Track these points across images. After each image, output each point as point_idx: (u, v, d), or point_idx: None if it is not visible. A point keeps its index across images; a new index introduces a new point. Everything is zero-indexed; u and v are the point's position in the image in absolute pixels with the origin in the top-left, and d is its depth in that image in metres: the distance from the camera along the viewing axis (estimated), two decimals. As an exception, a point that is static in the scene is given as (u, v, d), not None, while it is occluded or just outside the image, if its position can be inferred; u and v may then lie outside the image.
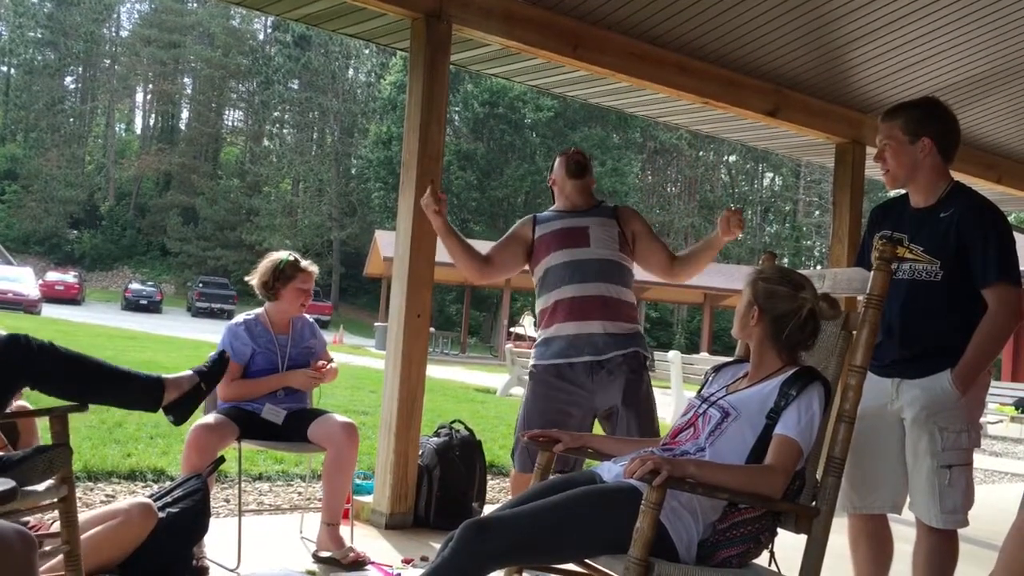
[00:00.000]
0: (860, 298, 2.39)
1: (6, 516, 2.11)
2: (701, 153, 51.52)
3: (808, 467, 2.29)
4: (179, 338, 21.25)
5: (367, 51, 50.23)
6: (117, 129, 57.50)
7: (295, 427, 3.69)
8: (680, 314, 44.83)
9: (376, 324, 29.29)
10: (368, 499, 4.47)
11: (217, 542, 3.50)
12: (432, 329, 23.29)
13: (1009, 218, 3.11)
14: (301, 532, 4.08)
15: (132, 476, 5.16)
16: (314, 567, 3.53)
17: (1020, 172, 7.43)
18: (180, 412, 2.69)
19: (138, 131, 60.27)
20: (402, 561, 3.69)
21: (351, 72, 53.81)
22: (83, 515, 2.86)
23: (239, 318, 3.88)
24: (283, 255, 3.87)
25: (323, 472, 3.70)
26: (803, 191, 51.69)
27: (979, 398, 2.86)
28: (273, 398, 3.74)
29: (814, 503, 2.28)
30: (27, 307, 28.02)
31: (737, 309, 2.43)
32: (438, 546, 2.15)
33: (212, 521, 3.26)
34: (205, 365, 2.80)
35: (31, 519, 2.81)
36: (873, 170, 6.35)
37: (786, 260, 45.66)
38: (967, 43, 5.01)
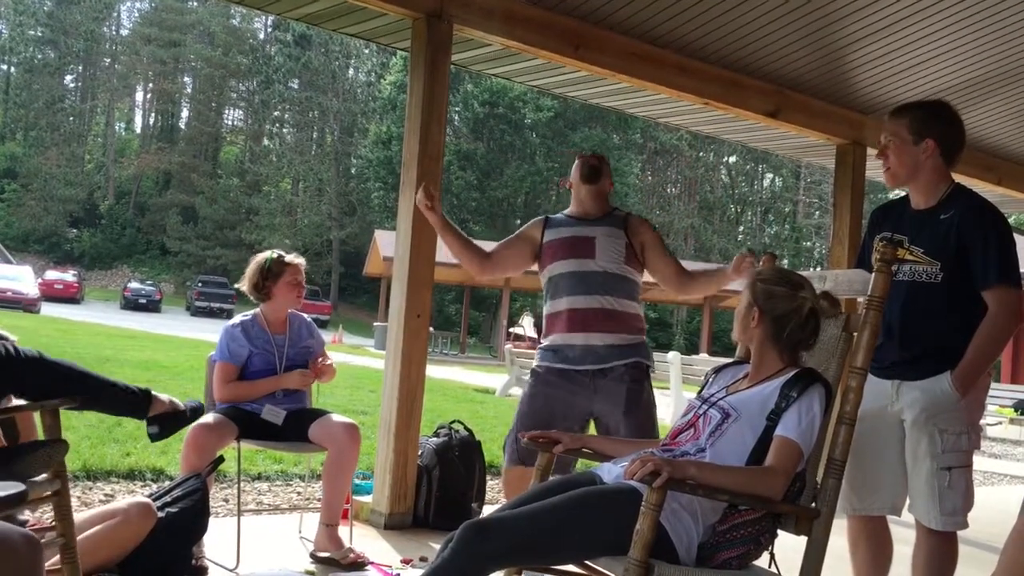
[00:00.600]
0: (861, 300, 2.38)
1: (5, 514, 2.11)
2: (701, 154, 51.52)
3: (808, 469, 2.29)
4: (178, 337, 21.25)
5: (367, 51, 50.23)
6: (117, 128, 57.49)
7: (295, 427, 3.68)
8: (679, 315, 44.83)
9: (375, 324, 29.28)
10: (367, 499, 4.47)
11: (216, 542, 3.49)
12: (431, 329, 23.28)
13: (1009, 220, 3.11)
14: (300, 532, 4.08)
15: (131, 475, 5.16)
16: (313, 567, 3.53)
17: (1020, 174, 7.43)
18: (162, 427, 2.72)
19: (138, 130, 60.29)
20: (401, 561, 3.69)
21: (351, 72, 53.82)
22: (82, 514, 2.86)
23: (236, 319, 3.86)
24: (267, 254, 3.87)
25: (323, 472, 3.69)
26: (803, 192, 51.69)
27: (979, 400, 2.86)
28: (272, 399, 3.73)
29: (814, 505, 2.27)
30: (26, 306, 28.00)
31: (737, 311, 2.43)
32: (437, 546, 2.14)
33: (211, 521, 3.25)
34: (188, 405, 2.86)
35: (29, 517, 2.81)
36: (874, 172, 6.36)
37: (786, 261, 45.64)
38: (968, 45, 5.01)
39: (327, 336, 30.06)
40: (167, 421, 2.73)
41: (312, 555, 3.62)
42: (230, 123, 59.65)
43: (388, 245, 24.75)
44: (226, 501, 4.81)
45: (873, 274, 2.31)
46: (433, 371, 13.02)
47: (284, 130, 54.32)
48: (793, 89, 5.82)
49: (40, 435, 2.96)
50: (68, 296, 35.87)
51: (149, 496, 3.11)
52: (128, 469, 5.21)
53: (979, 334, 2.73)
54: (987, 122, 6.35)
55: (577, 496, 2.13)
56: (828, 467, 2.27)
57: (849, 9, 4.63)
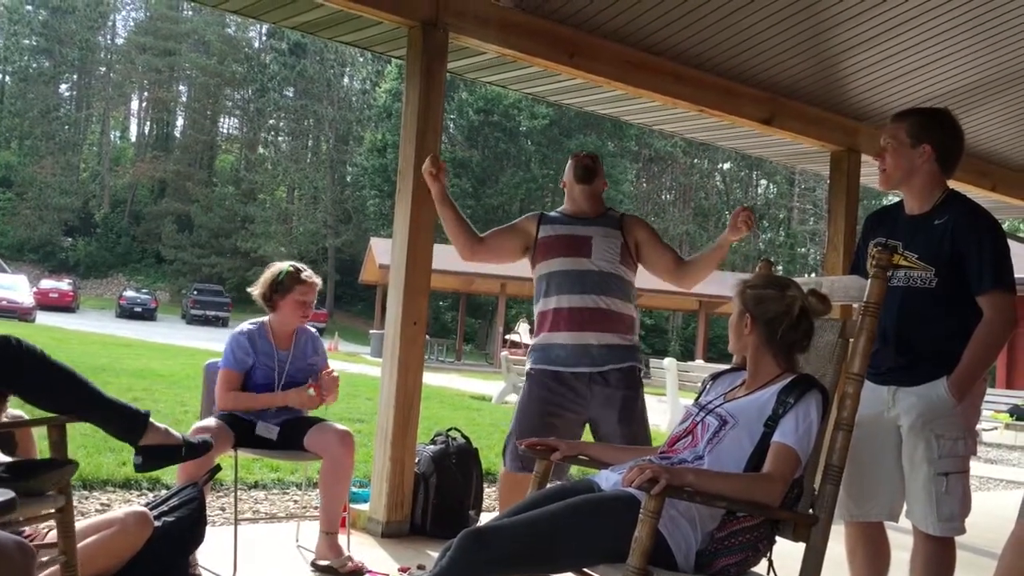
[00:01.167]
0: (856, 306, 2.39)
1: (3, 526, 2.10)
2: (696, 161, 51.62)
3: (806, 475, 2.30)
4: (174, 346, 21.20)
5: (362, 59, 50.29)
6: (112, 136, 57.44)
7: (291, 436, 3.67)
8: (675, 321, 44.87)
9: (371, 331, 29.28)
10: (364, 507, 4.46)
11: (213, 551, 3.49)
12: (428, 336, 23.28)
13: (1003, 226, 3.12)
14: (297, 540, 4.07)
15: (127, 485, 5.15)
16: (311, 576, 3.53)
17: (1014, 180, 7.46)
18: (151, 459, 2.57)
19: (133, 138, 60.23)
20: (399, 570, 3.69)
21: (346, 80, 53.87)
22: (78, 524, 2.84)
23: (244, 326, 3.81)
24: (284, 266, 3.79)
25: (319, 481, 3.69)
26: (797, 199, 51.80)
27: (975, 405, 2.87)
28: (266, 414, 3.71)
29: (812, 511, 2.28)
30: (21, 315, 27.95)
31: (730, 322, 2.43)
32: (435, 554, 2.14)
33: (208, 530, 3.24)
34: (194, 438, 2.71)
35: (27, 528, 2.80)
36: (868, 178, 6.37)
37: (781, 268, 45.76)
38: (961, 52, 5.03)
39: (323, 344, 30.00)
40: (157, 453, 2.57)
41: (312, 564, 3.62)
42: (225, 131, 59.66)
43: (384, 253, 24.75)
44: (223, 510, 4.80)
45: (868, 280, 2.31)
46: (430, 378, 13.00)
47: (279, 138, 54.31)
48: (787, 96, 5.84)
49: (38, 447, 2.96)
50: (63, 305, 35.80)
51: (146, 505, 3.10)
52: (124, 478, 5.20)
53: (974, 340, 2.74)
54: (981, 128, 6.38)
55: (575, 504, 2.14)
56: (826, 473, 2.27)
57: (842, 17, 4.65)
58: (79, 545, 2.61)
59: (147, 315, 37.53)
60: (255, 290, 3.80)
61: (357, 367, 19.02)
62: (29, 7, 52.76)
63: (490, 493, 5.45)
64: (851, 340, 2.38)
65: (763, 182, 55.16)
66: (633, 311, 3.50)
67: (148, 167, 51.65)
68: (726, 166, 52.97)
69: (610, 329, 3.38)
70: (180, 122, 58.46)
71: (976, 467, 9.49)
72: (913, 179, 2.89)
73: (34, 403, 2.46)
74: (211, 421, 3.55)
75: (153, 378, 11.85)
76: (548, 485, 2.53)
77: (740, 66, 5.40)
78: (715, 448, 2.22)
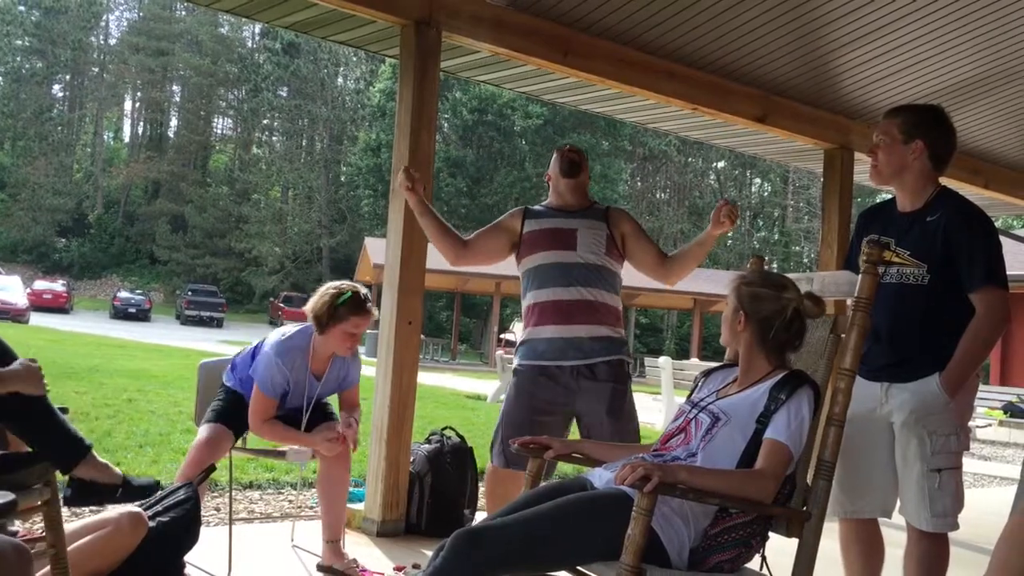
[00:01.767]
0: (848, 301, 2.40)
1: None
2: (690, 159, 51.68)
3: (799, 471, 2.30)
4: (168, 346, 21.16)
5: (356, 58, 50.23)
6: (105, 137, 57.34)
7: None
8: (670, 320, 44.91)
9: (367, 331, 29.23)
10: (359, 506, 4.46)
11: (208, 551, 3.48)
12: (422, 336, 23.19)
13: (996, 223, 3.13)
14: (292, 540, 4.06)
15: (122, 485, 5.13)
16: None
17: (1007, 177, 7.48)
18: (82, 494, 2.41)
19: (126, 139, 60.11)
20: (394, 568, 3.69)
21: (340, 79, 53.81)
22: (72, 525, 2.84)
23: (289, 341, 3.54)
24: (346, 291, 3.49)
25: (317, 488, 3.67)
26: (792, 197, 51.87)
27: (968, 402, 2.88)
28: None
29: (805, 507, 2.28)
30: (15, 316, 27.88)
31: (724, 317, 2.44)
32: (430, 553, 2.14)
33: (203, 530, 3.24)
34: (139, 480, 2.54)
35: (19, 528, 2.79)
36: (862, 176, 6.39)
37: (775, 265, 45.81)
38: (954, 50, 5.04)
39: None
40: (89, 489, 2.41)
41: (318, 566, 3.62)
42: (219, 131, 59.54)
43: (378, 252, 24.72)
44: (217, 510, 4.79)
45: (860, 276, 2.32)
46: (424, 378, 12.99)
47: (273, 138, 54.27)
48: (780, 94, 5.85)
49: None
50: (57, 306, 35.72)
51: (140, 506, 3.09)
52: (119, 479, 5.19)
53: (967, 336, 2.75)
54: (974, 126, 6.39)
55: (568, 502, 2.14)
56: (818, 469, 2.28)
57: (835, 15, 4.66)
58: (73, 546, 2.60)
59: (141, 316, 37.46)
60: (309, 304, 3.54)
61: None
62: (22, 8, 52.62)
63: (485, 492, 5.45)
64: (843, 336, 2.38)
65: (757, 180, 55.23)
66: (619, 303, 3.49)
67: (142, 167, 51.53)
68: (720, 164, 53.03)
69: (599, 321, 3.36)
70: (174, 122, 58.35)
71: (970, 464, 9.51)
72: (905, 175, 2.90)
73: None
74: (209, 432, 3.48)
75: (147, 379, 11.83)
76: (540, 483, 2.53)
77: (733, 64, 5.41)
78: (708, 445, 2.22)
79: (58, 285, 37.91)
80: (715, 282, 28.92)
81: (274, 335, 3.62)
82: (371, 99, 46.22)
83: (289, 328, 3.63)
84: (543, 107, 40.29)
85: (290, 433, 3.56)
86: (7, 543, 1.93)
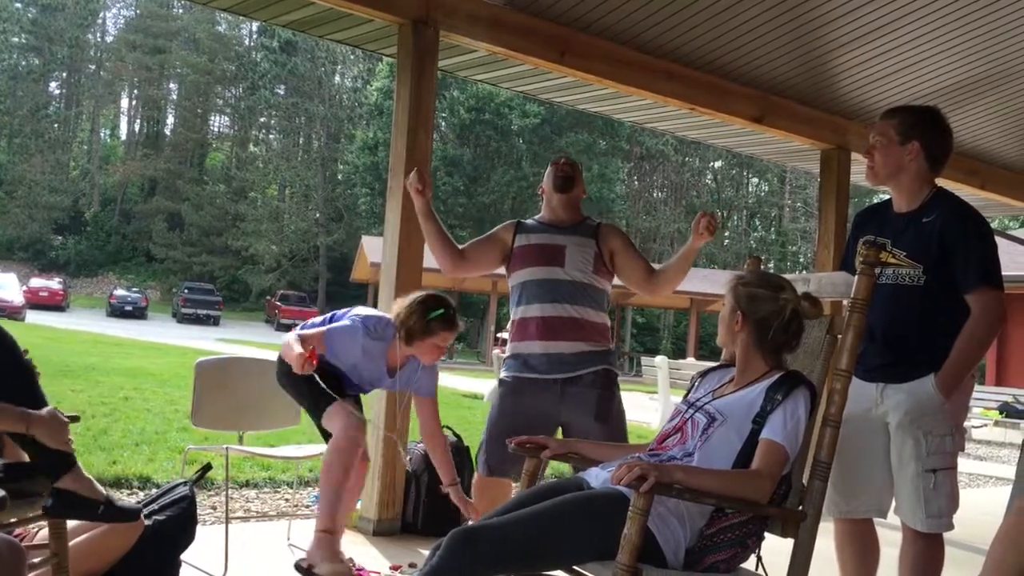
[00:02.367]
0: (845, 302, 2.40)
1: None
2: (687, 159, 51.66)
3: (794, 471, 2.30)
4: (165, 344, 21.15)
5: (353, 56, 50.15)
6: (102, 135, 57.20)
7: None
8: (667, 319, 44.90)
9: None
10: (356, 505, 4.46)
11: (204, 550, 3.48)
12: (419, 335, 23.09)
13: (992, 224, 3.14)
14: (288, 539, 4.07)
15: (118, 483, 5.14)
16: None
17: (1003, 178, 7.49)
18: (64, 506, 2.34)
19: (123, 136, 59.98)
20: (390, 568, 3.69)
21: (337, 78, 53.72)
22: (69, 524, 2.84)
23: (377, 332, 3.39)
24: (439, 306, 3.39)
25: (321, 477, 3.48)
26: (788, 196, 51.87)
27: (963, 402, 2.88)
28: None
29: (800, 507, 2.29)
30: (11, 313, 27.80)
31: (721, 316, 2.44)
32: (426, 552, 2.15)
33: (199, 529, 3.24)
34: (121, 503, 2.47)
35: (18, 528, 2.79)
36: (858, 176, 6.39)
37: (772, 265, 45.86)
38: (950, 50, 5.05)
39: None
40: (71, 502, 2.33)
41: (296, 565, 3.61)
42: (216, 129, 59.44)
43: (375, 251, 24.71)
44: (214, 508, 4.79)
45: (856, 277, 2.32)
46: (421, 377, 12.95)
47: (270, 136, 54.18)
48: (778, 94, 5.86)
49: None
50: (53, 304, 35.65)
51: (136, 504, 3.09)
52: (115, 477, 5.19)
53: (962, 337, 2.75)
54: (970, 126, 6.40)
55: (565, 502, 2.14)
56: (814, 469, 2.29)
57: (832, 16, 4.66)
58: (69, 544, 2.60)
59: (138, 314, 37.38)
60: (394, 310, 3.44)
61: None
62: (18, 5, 52.48)
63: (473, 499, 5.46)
64: (839, 336, 2.39)
65: (754, 180, 55.22)
66: (606, 319, 3.50)
67: (138, 165, 51.41)
68: (717, 164, 53.01)
69: (583, 338, 3.38)
70: (170, 120, 58.23)
71: (965, 464, 9.53)
72: (901, 176, 2.91)
73: None
74: (350, 435, 3.26)
75: (144, 377, 11.82)
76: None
77: (731, 64, 5.41)
78: (704, 445, 2.23)
79: (54, 283, 37.82)
80: (712, 282, 28.95)
81: (361, 311, 3.49)
82: (368, 98, 46.16)
83: (377, 315, 3.48)
84: (540, 106, 40.27)
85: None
86: (1, 540, 1.93)
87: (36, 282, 37.13)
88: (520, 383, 3.41)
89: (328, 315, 3.58)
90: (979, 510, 4.02)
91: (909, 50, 5.06)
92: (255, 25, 50.88)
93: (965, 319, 2.76)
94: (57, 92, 56.51)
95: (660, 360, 12.16)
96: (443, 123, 42.49)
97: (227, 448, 3.59)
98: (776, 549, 2.33)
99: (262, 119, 53.03)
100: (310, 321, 3.59)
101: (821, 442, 2.29)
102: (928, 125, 2.92)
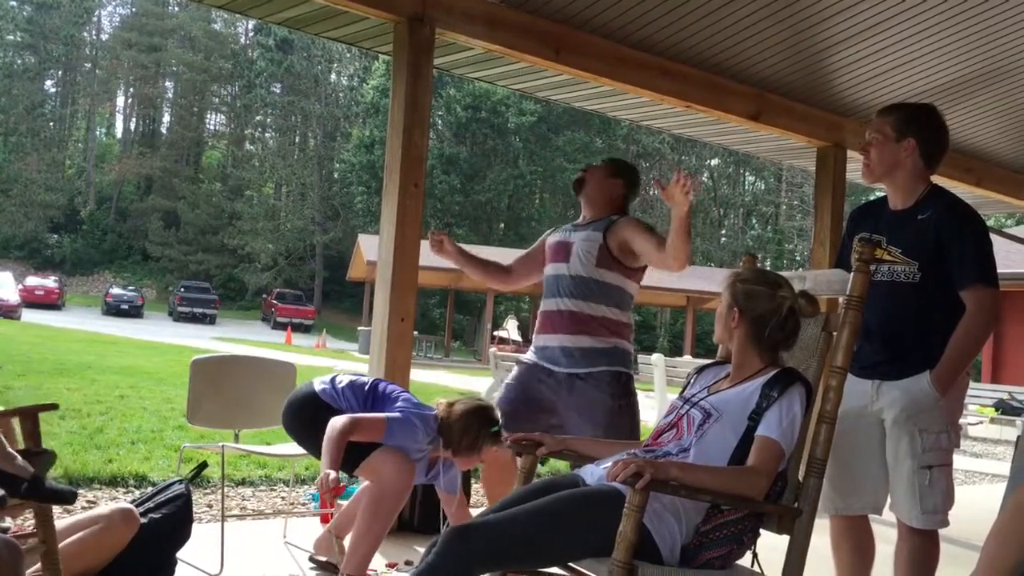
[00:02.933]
0: (841, 299, 2.40)
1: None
2: (683, 157, 51.68)
3: (790, 468, 2.31)
4: (161, 343, 21.12)
5: (349, 55, 50.12)
6: (98, 133, 57.06)
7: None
8: (663, 317, 44.94)
9: (359, 328, 29.23)
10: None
11: (200, 548, 3.48)
12: (416, 333, 23.25)
13: (988, 222, 3.14)
14: (285, 537, 4.06)
15: (113, 482, 5.13)
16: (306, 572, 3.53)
17: (999, 176, 7.50)
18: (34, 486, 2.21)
19: (119, 135, 59.85)
20: (386, 565, 3.69)
21: (333, 76, 53.67)
22: (64, 521, 2.84)
23: (430, 426, 3.21)
24: (495, 423, 3.20)
25: (360, 506, 3.30)
26: (785, 194, 51.92)
27: (958, 399, 2.89)
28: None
29: (796, 504, 2.29)
30: (6, 312, 27.78)
31: (718, 313, 2.45)
32: (422, 550, 2.14)
33: (195, 527, 3.24)
34: (51, 485, 2.32)
35: (11, 524, 2.79)
36: (854, 174, 6.40)
37: (768, 263, 45.89)
38: (947, 48, 5.05)
39: (310, 341, 29.99)
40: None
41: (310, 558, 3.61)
42: (212, 128, 59.36)
43: (371, 249, 24.71)
44: (210, 507, 4.79)
45: (852, 274, 2.33)
46: (417, 375, 12.97)
47: (266, 134, 54.09)
48: (774, 92, 5.85)
49: (20, 442, 2.94)
50: (49, 302, 35.59)
51: (132, 502, 3.09)
52: (110, 475, 5.19)
53: (957, 334, 2.76)
54: (966, 124, 6.41)
55: (560, 498, 2.14)
56: (809, 466, 2.29)
57: (828, 13, 4.66)
58: (65, 542, 2.61)
59: (134, 312, 37.33)
60: (449, 412, 3.23)
61: (345, 364, 18.99)
62: (13, 3, 52.33)
63: (477, 489, 5.46)
64: (835, 333, 2.39)
65: (751, 178, 55.28)
66: (615, 313, 3.50)
67: (134, 164, 51.32)
68: (714, 162, 53.03)
69: (582, 331, 3.45)
70: (166, 118, 58.14)
71: (961, 461, 9.55)
72: (897, 173, 2.91)
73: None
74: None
75: (140, 375, 11.81)
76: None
77: (727, 62, 5.41)
78: (699, 441, 2.23)
79: (50, 281, 37.76)
80: (708, 279, 29.00)
81: (411, 403, 3.29)
82: (364, 96, 46.12)
83: (430, 414, 3.26)
84: (537, 104, 40.28)
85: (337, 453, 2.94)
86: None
87: (32, 280, 37.08)
88: (530, 368, 3.56)
89: (371, 382, 3.36)
90: (975, 507, 4.02)
91: (905, 48, 5.07)
92: (251, 23, 50.84)
93: (960, 316, 2.76)
94: (53, 90, 56.38)
95: (656, 358, 12.16)
96: (439, 121, 42.48)
97: (223, 446, 3.58)
98: (772, 546, 2.33)
99: (258, 117, 52.95)
100: (359, 381, 3.35)
101: (817, 439, 2.29)
102: (924, 122, 2.92)
